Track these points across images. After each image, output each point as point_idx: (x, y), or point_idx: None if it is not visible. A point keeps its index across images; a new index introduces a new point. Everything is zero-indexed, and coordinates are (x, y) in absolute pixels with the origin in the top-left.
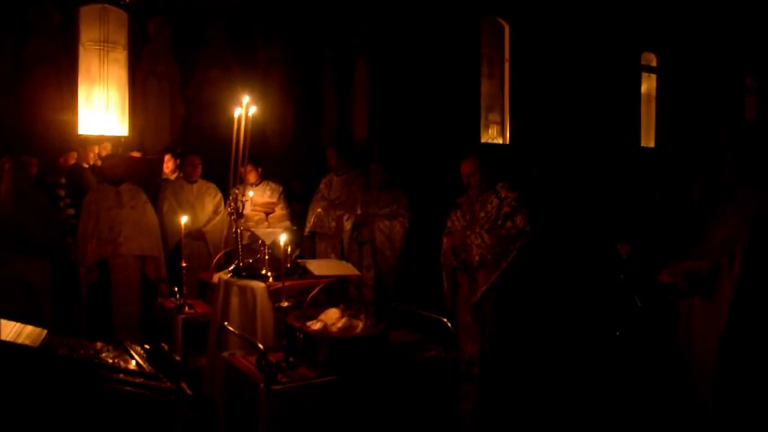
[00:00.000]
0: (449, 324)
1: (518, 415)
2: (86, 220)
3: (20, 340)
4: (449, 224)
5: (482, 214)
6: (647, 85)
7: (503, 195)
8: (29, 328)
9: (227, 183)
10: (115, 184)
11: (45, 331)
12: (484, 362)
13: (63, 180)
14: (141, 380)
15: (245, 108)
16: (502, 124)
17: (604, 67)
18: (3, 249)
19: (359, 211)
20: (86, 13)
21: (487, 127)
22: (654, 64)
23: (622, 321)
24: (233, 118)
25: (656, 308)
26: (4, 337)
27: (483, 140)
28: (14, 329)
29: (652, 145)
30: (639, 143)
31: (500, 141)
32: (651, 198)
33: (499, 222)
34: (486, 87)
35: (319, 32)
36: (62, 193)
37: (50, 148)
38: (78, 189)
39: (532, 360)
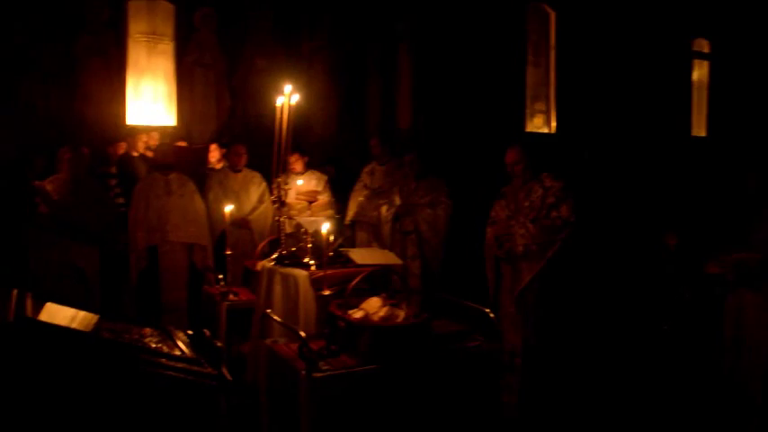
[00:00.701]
0: (491, 314)
1: (561, 407)
2: (137, 208)
3: (73, 325)
4: (492, 214)
5: (526, 204)
6: (699, 72)
7: (547, 185)
8: (82, 314)
9: (271, 171)
10: (165, 173)
11: (97, 317)
12: (527, 353)
13: (114, 169)
14: (183, 365)
15: (288, 97)
16: (547, 113)
17: (654, 54)
18: (58, 235)
19: (398, 201)
20: (135, 6)
21: (533, 116)
22: (706, 50)
23: (670, 314)
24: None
25: (704, 300)
26: (59, 322)
27: (528, 129)
28: (69, 315)
29: (703, 134)
30: (690, 132)
31: (546, 130)
32: (701, 188)
33: (544, 212)
34: (531, 76)
35: (364, 21)
36: (113, 182)
37: (101, 139)
38: (128, 178)
39: (576, 352)
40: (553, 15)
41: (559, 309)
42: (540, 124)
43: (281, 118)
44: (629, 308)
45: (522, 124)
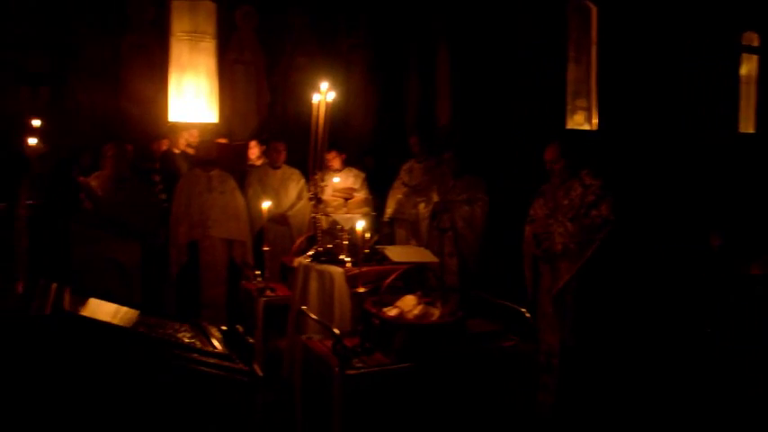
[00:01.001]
0: (527, 314)
1: (598, 409)
2: (178, 204)
3: (115, 321)
4: (531, 212)
5: (565, 202)
6: (748, 66)
7: (587, 183)
8: (123, 309)
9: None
10: (206, 170)
11: (138, 312)
12: (564, 354)
13: (156, 165)
14: (215, 360)
15: (324, 94)
16: (589, 110)
17: (701, 48)
18: (100, 230)
19: (436, 199)
20: (178, 5)
21: (574, 112)
22: (756, 44)
23: (713, 316)
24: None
25: (747, 302)
26: (101, 317)
27: (569, 126)
28: (111, 310)
29: (751, 130)
30: (737, 128)
31: (587, 127)
32: (748, 186)
33: (583, 211)
34: (572, 72)
35: (402, 18)
36: (156, 178)
37: (144, 135)
38: (170, 174)
39: (615, 353)
40: (595, 10)
41: (598, 309)
42: (582, 121)
43: (318, 115)
44: (670, 309)
45: (563, 121)
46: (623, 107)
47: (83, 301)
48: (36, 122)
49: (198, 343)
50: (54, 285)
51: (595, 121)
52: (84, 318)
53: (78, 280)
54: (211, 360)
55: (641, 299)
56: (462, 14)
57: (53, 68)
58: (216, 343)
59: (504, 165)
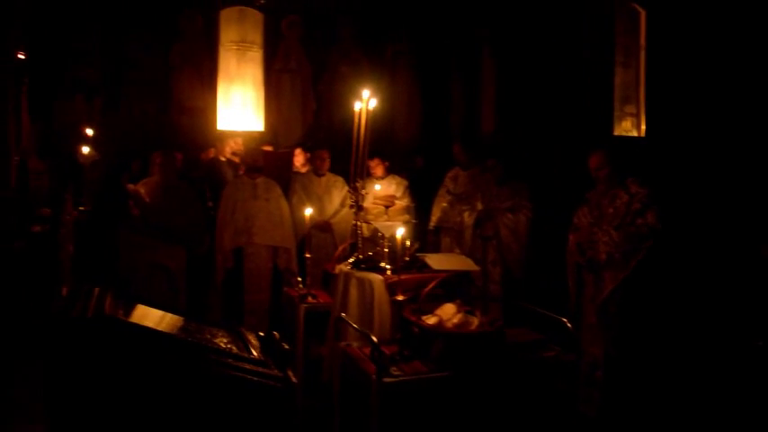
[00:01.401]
0: (569, 324)
1: (642, 424)
2: (224, 210)
3: (161, 327)
4: (575, 220)
5: (610, 210)
6: None
7: (633, 191)
8: (169, 316)
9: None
10: (252, 177)
11: (183, 319)
12: (608, 365)
13: (203, 173)
14: (249, 365)
15: (366, 102)
16: (637, 116)
17: (756, 52)
18: (148, 236)
19: (480, 207)
20: (226, 15)
21: (621, 119)
22: None
23: (765, 329)
24: (360, 112)
25: None
26: (148, 323)
27: (616, 133)
28: (158, 316)
29: None
30: None
31: (635, 134)
32: None
33: (628, 219)
34: (620, 77)
35: (446, 25)
36: (203, 185)
37: (193, 144)
38: (216, 181)
39: (662, 367)
40: (643, 14)
41: (644, 321)
42: (630, 127)
43: (360, 123)
44: (720, 322)
45: (610, 128)
46: (673, 113)
47: (130, 307)
48: (89, 131)
49: (234, 348)
50: (97, 289)
51: (644, 127)
52: (123, 321)
53: (125, 284)
54: (246, 365)
55: (689, 310)
56: (507, 20)
57: (106, 80)
58: (252, 349)
59: (549, 172)
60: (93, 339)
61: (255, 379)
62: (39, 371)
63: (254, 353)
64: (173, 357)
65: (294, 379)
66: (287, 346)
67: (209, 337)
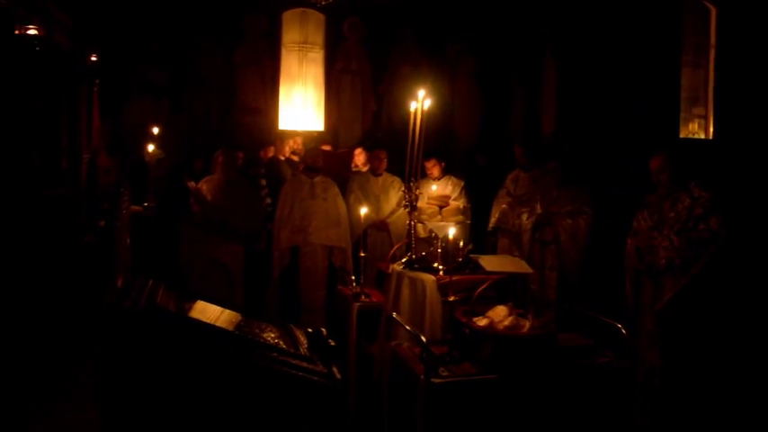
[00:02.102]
0: (623, 330)
1: None
2: (282, 209)
3: (218, 323)
4: (634, 224)
5: (672, 214)
6: None
7: (696, 195)
8: (227, 312)
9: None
10: (310, 176)
11: (241, 316)
12: (666, 374)
13: (262, 170)
14: (294, 360)
15: (422, 102)
16: (705, 118)
17: None
18: (207, 233)
19: (539, 210)
20: (288, 17)
21: (688, 121)
22: None
23: None
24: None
25: None
26: (206, 319)
27: (682, 135)
28: (216, 312)
29: None
30: None
31: (702, 136)
32: None
33: (690, 224)
34: (687, 78)
35: (508, 25)
36: (263, 182)
37: (254, 143)
38: (275, 180)
39: (722, 377)
40: (714, 12)
41: (705, 329)
42: (697, 130)
43: (415, 123)
44: None
45: (676, 130)
46: (743, 115)
47: (183, 299)
48: (155, 130)
49: (281, 343)
50: (150, 282)
51: (712, 129)
52: (173, 313)
53: (183, 279)
54: (291, 360)
55: (753, 320)
56: (569, 20)
57: (173, 81)
58: (299, 345)
59: (613, 175)
60: (144, 330)
61: (300, 374)
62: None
63: (301, 349)
64: (219, 350)
65: (339, 375)
66: (333, 343)
67: (257, 331)
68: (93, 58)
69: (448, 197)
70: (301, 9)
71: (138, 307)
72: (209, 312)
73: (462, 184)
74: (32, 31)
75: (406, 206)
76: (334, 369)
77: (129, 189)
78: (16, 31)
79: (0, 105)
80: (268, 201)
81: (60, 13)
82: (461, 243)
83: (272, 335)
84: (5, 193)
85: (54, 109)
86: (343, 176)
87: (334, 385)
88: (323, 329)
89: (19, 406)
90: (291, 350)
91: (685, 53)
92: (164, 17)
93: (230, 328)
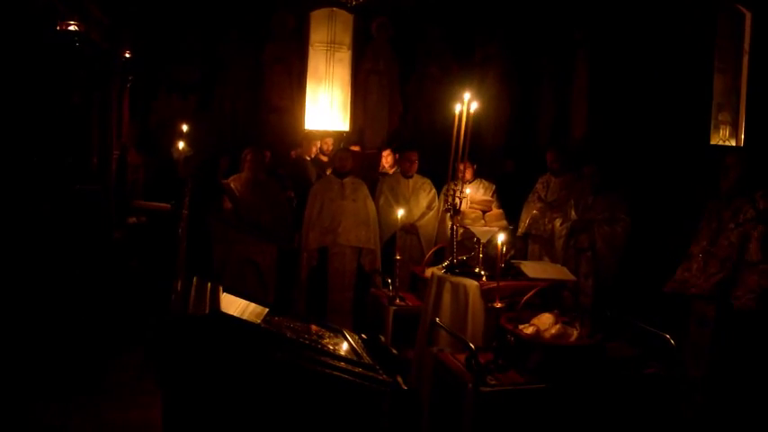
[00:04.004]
0: (672, 341)
1: None
2: (311, 209)
3: (245, 316)
4: (692, 249)
5: (731, 225)
6: None
7: (761, 207)
8: (252, 306)
9: (442, 178)
10: (340, 177)
11: (266, 309)
12: (711, 388)
13: (287, 170)
14: (359, 369)
15: (467, 104)
16: (735, 124)
17: None
18: (240, 232)
19: (574, 216)
20: (316, 16)
21: (718, 127)
22: None
23: None
24: (452, 114)
25: None
26: (232, 311)
27: (713, 142)
28: (241, 305)
29: None
30: None
31: (732, 143)
32: None
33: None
34: (718, 83)
35: (538, 28)
36: (290, 183)
37: (281, 142)
38: (300, 180)
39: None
40: (749, 16)
41: (759, 344)
42: (726, 136)
43: (459, 125)
44: None
45: (707, 136)
46: None
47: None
48: (185, 127)
49: (340, 350)
50: (209, 284)
51: (742, 136)
52: (238, 319)
53: (218, 276)
54: (354, 369)
55: None
56: (602, 22)
57: (201, 79)
58: (360, 351)
59: (642, 181)
60: (210, 336)
61: (365, 384)
62: (139, 356)
63: (364, 356)
64: (285, 359)
65: (405, 386)
66: (395, 351)
67: (315, 338)
68: (127, 55)
69: (491, 201)
70: (330, 9)
71: (203, 312)
72: (248, 311)
73: (494, 187)
74: (73, 27)
75: (447, 210)
76: (399, 379)
77: (191, 189)
78: (57, 27)
79: (43, 99)
80: (294, 199)
81: (97, 11)
82: (504, 249)
83: (331, 341)
84: (38, 188)
85: (87, 105)
86: (371, 178)
87: (401, 396)
88: (381, 336)
89: (58, 406)
90: (354, 358)
91: (716, 58)
92: (193, 15)
93: (289, 333)
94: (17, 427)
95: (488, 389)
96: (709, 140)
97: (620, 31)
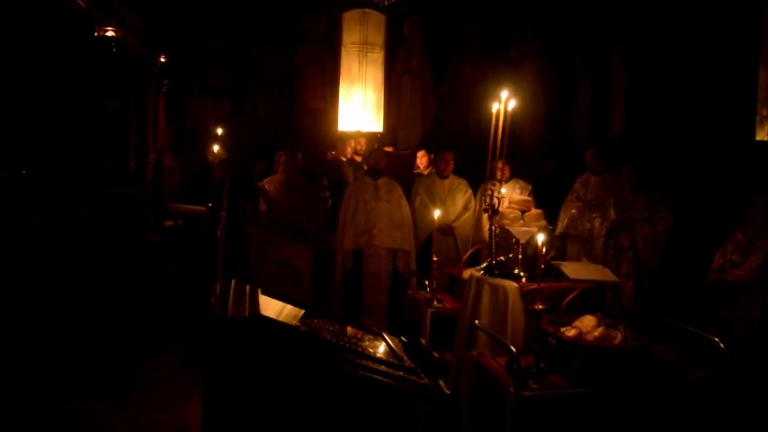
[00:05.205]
0: (721, 345)
1: None
2: (346, 211)
3: (281, 317)
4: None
5: None
6: None
7: None
8: (288, 307)
9: (476, 178)
10: (375, 178)
11: (303, 311)
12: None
13: (324, 172)
14: (401, 373)
15: (504, 103)
16: None
17: None
18: (275, 234)
19: (613, 216)
20: (349, 17)
21: (763, 123)
22: None
23: None
24: (486, 114)
25: None
26: (268, 313)
27: (758, 138)
28: (278, 307)
29: None
30: None
31: None
32: None
33: None
34: (763, 77)
35: (574, 24)
36: (325, 183)
37: (315, 143)
38: (337, 181)
39: None
40: None
41: None
42: None
43: (496, 124)
44: None
45: (752, 132)
46: None
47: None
48: (218, 130)
49: (380, 353)
50: (248, 287)
51: None
52: (279, 322)
53: (254, 278)
54: (395, 372)
55: None
56: (639, 15)
57: (234, 82)
58: (400, 354)
59: (683, 179)
60: (251, 340)
61: (407, 387)
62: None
63: (405, 360)
64: (325, 362)
65: (447, 390)
66: (437, 355)
67: (355, 340)
68: (162, 60)
69: (530, 201)
70: (362, 9)
71: (244, 315)
72: (284, 313)
73: (530, 187)
74: (110, 33)
75: (486, 210)
76: (441, 383)
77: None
78: (96, 33)
79: (80, 103)
80: (329, 202)
81: (132, 16)
82: (543, 249)
83: (372, 344)
84: (77, 191)
85: (124, 109)
86: (405, 178)
87: (444, 401)
88: (421, 339)
89: (99, 406)
90: (395, 361)
91: (762, 51)
92: (226, 18)
93: (328, 336)
94: (61, 425)
95: (530, 393)
96: (754, 136)
97: (658, 23)
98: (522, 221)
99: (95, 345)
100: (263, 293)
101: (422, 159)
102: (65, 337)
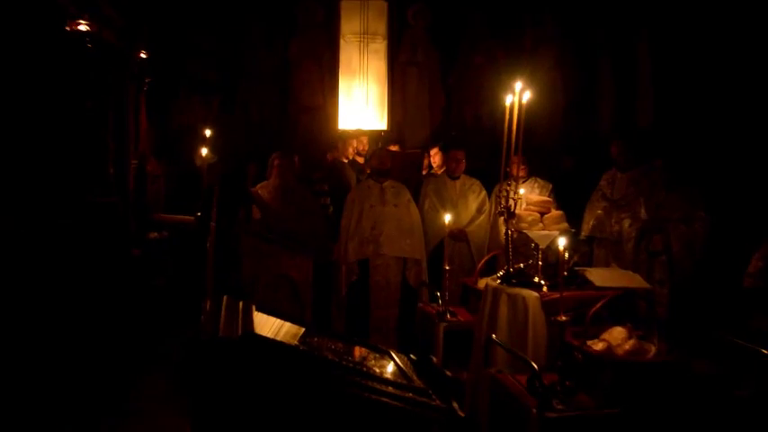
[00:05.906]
0: None
1: None
2: (349, 217)
3: (279, 336)
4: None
5: None
6: None
7: None
8: (287, 325)
9: (490, 178)
10: (379, 181)
11: (303, 329)
12: None
13: (323, 175)
14: (410, 395)
15: (519, 95)
16: None
17: None
18: (271, 244)
19: (644, 216)
20: (347, 5)
21: None
22: None
23: None
24: (500, 108)
25: None
26: (265, 332)
27: None
28: (276, 325)
29: None
30: None
31: None
32: None
33: None
34: None
35: (595, 8)
36: (325, 188)
37: (313, 144)
38: (338, 185)
39: None
40: None
41: None
42: None
43: (510, 118)
44: None
45: None
46: None
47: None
48: (207, 132)
49: (386, 373)
50: (240, 303)
51: None
52: (274, 341)
53: (248, 294)
54: (404, 394)
55: None
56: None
57: (223, 79)
58: (409, 374)
59: (719, 173)
60: (242, 360)
61: (417, 411)
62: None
63: (415, 380)
64: (326, 384)
65: (462, 413)
66: (449, 374)
67: (360, 360)
68: (143, 56)
69: (550, 202)
70: None
71: (237, 335)
72: (283, 331)
73: (551, 186)
74: (83, 27)
75: (501, 213)
76: (455, 405)
77: (217, 199)
78: (67, 27)
79: (52, 103)
80: (330, 208)
81: (110, 9)
82: (566, 254)
83: (378, 363)
84: (50, 201)
85: (101, 110)
86: (413, 180)
87: (457, 424)
88: (433, 357)
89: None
90: (404, 382)
91: None
92: (213, 9)
93: (330, 355)
94: None
95: (555, 414)
96: None
97: (687, 5)
98: (541, 224)
99: (82, 366)
100: (258, 310)
101: (435, 158)
102: (48, 356)
